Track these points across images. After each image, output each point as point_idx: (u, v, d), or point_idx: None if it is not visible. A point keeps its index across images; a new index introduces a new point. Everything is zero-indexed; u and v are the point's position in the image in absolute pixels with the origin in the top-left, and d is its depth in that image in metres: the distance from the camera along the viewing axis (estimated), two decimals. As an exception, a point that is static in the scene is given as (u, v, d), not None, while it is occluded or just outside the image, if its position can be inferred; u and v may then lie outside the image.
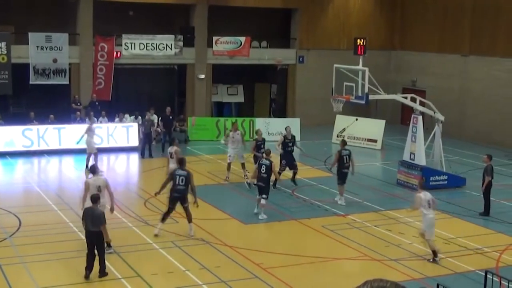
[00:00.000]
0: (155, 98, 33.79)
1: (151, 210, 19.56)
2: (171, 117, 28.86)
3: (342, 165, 20.55)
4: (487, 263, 15.60)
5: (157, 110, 29.66)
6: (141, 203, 20.44)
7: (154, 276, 14.39)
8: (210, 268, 14.90)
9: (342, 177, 20.63)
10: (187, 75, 34.12)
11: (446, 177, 23.18)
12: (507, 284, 12.47)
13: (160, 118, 28.97)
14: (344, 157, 20.54)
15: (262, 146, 22.24)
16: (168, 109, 28.96)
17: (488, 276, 12.46)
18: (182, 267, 14.96)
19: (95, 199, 14.62)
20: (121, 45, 32.12)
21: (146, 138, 27.26)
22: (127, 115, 29.71)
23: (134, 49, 32.29)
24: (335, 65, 24.27)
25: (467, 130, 33.21)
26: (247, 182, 22.45)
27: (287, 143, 22.90)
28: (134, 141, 28.47)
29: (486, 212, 19.86)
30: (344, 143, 21.18)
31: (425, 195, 15.94)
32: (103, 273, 14.23)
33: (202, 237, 17.16)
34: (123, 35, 32.14)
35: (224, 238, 17.09)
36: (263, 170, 18.91)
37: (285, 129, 23.55)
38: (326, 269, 15.34)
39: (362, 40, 23.96)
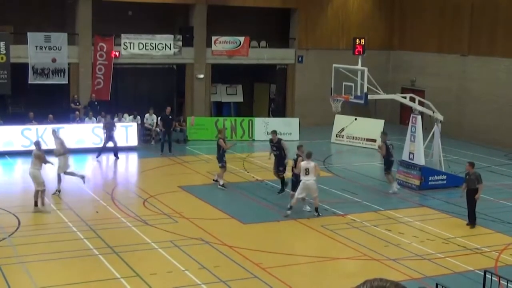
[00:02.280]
0: (154, 98, 33.78)
1: (150, 210, 19.57)
2: (170, 117, 28.82)
3: (389, 154, 22.19)
4: (486, 262, 15.61)
5: (156, 110, 29.71)
6: (140, 202, 20.44)
7: (153, 276, 14.40)
8: (209, 267, 14.91)
9: (389, 165, 22.30)
10: (186, 75, 34.12)
11: (445, 177, 23.17)
12: (506, 283, 12.48)
13: (159, 118, 28.97)
14: (389, 146, 22.33)
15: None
16: (168, 108, 28.85)
17: (487, 275, 12.47)
18: (181, 267, 14.96)
19: None
20: (120, 45, 32.11)
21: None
22: (126, 115, 29.73)
23: (133, 49, 32.29)
24: (334, 65, 24.27)
25: (466, 130, 33.21)
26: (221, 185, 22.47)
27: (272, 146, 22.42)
28: (133, 141, 28.52)
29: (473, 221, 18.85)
30: (385, 134, 22.99)
31: (306, 164, 18.88)
32: None
33: (201, 236, 17.17)
34: (122, 35, 32.13)
35: (223, 238, 17.09)
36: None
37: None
38: (325, 269, 15.35)
39: (361, 40, 23.98)
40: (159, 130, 28.79)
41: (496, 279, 13.02)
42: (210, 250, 16.22)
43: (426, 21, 35.95)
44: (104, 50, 31.72)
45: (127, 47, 32.18)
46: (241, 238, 17.34)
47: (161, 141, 28.26)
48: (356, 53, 23.93)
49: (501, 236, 18.00)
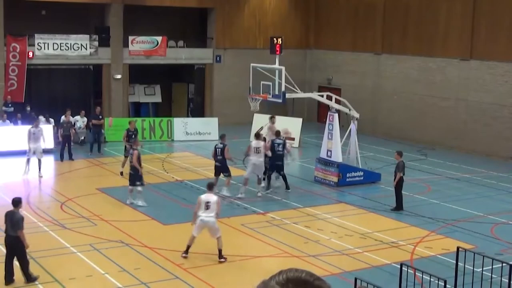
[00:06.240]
0: (71, 99, 33.06)
1: (68, 213, 19.20)
2: (100, 117, 29.09)
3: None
4: (402, 255, 16.07)
5: (73, 111, 29.27)
6: (57, 206, 20.02)
7: (72, 281, 14.16)
8: (130, 270, 14.77)
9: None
10: (103, 75, 33.62)
11: (362, 173, 23.69)
12: (421, 275, 12.87)
13: (88, 118, 29.17)
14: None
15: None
16: (98, 109, 29.34)
17: (403, 268, 12.83)
18: (101, 270, 14.77)
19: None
20: (34, 45, 31.36)
21: (65, 141, 26.65)
22: (41, 117, 29.02)
23: (48, 49, 31.59)
24: (252, 64, 24.41)
25: (381, 126, 34.02)
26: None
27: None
28: (49, 143, 27.82)
29: (399, 206, 20.29)
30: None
31: (256, 144, 20.88)
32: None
33: (121, 239, 16.97)
34: (36, 35, 31.38)
35: (143, 240, 16.96)
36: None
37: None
38: (246, 267, 15.44)
39: (278, 39, 24.19)
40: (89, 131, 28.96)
41: (412, 271, 13.43)
42: (130, 252, 16.07)
43: (341, 20, 36.64)
44: (17, 50, 30.91)
45: (41, 47, 31.45)
46: (162, 239, 17.24)
47: (91, 141, 28.09)
48: (275, 52, 24.11)
49: (416, 230, 18.55)
